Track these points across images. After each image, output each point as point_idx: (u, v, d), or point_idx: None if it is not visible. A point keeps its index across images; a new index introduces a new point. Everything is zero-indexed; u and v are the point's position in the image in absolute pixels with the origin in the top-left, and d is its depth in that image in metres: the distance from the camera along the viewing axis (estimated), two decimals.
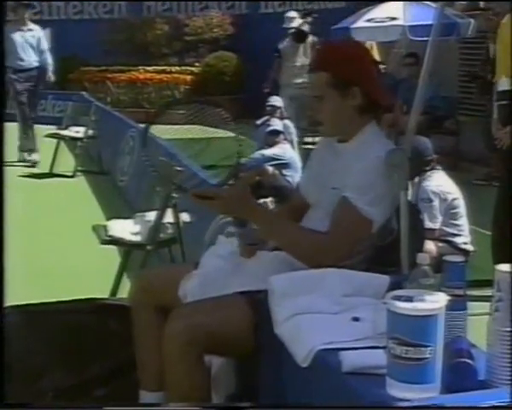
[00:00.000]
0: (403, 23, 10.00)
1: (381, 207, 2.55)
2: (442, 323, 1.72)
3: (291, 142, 8.25)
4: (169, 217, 4.35)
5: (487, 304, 1.82)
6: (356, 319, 2.16)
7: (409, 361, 1.69)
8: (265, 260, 2.63)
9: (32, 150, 10.44)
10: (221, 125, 3.14)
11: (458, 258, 2.10)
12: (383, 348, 1.81)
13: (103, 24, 16.16)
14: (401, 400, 1.71)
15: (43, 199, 8.09)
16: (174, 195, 4.22)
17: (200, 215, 4.20)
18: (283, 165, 7.16)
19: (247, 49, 14.75)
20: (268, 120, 8.24)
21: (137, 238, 4.44)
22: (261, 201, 3.00)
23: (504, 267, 1.79)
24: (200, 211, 3.98)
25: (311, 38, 10.65)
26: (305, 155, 2.92)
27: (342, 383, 1.91)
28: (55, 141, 10.14)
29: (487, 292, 1.90)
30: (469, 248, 5.21)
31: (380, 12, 10.40)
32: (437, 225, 5.12)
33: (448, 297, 1.78)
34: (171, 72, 16.05)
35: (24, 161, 10.31)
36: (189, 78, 15.86)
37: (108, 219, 5.07)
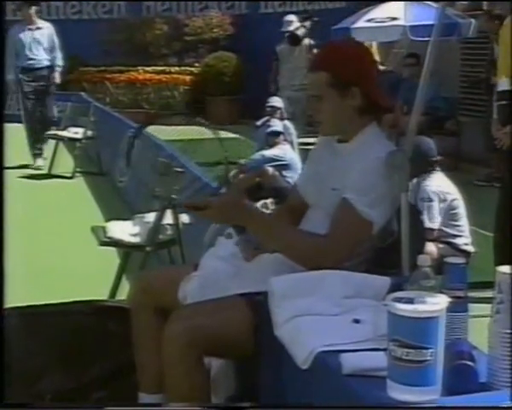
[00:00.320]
0: (403, 23, 9.98)
1: (381, 208, 2.54)
2: (443, 325, 1.71)
3: (291, 143, 8.25)
4: (168, 218, 4.34)
5: (488, 306, 1.82)
6: (356, 321, 2.15)
7: (409, 363, 1.69)
8: (265, 261, 2.62)
9: (38, 155, 10.33)
10: (205, 130, 3.15)
11: (459, 259, 2.10)
12: (384, 350, 1.80)
13: (102, 24, 16.14)
14: (402, 402, 1.70)
15: (41, 200, 8.07)
16: (173, 196, 4.21)
17: None
18: (283, 166, 7.16)
19: (246, 49, 14.74)
20: (268, 121, 8.23)
21: (137, 240, 4.43)
22: (261, 202, 3.00)
23: (505, 269, 1.79)
24: None
25: (307, 41, 10.68)
26: (306, 155, 2.91)
27: (342, 385, 1.90)
28: (53, 142, 10.12)
29: (488, 294, 1.90)
30: (470, 249, 5.21)
31: (380, 12, 10.38)
32: (436, 226, 5.11)
33: (449, 299, 1.77)
34: (170, 72, 16.03)
35: (30, 165, 10.18)
36: (188, 78, 15.85)
37: (107, 220, 5.06)
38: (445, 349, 1.72)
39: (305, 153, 7.76)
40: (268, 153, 7.50)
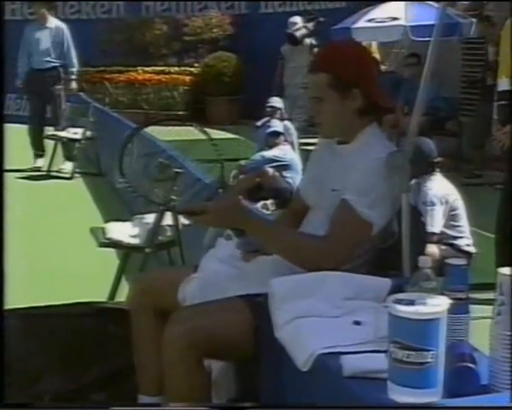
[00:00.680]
0: (404, 23, 9.98)
1: (381, 209, 2.53)
2: (444, 327, 1.71)
3: (291, 143, 8.24)
4: (168, 219, 4.34)
5: (490, 307, 1.81)
6: (357, 323, 2.15)
7: (410, 365, 1.68)
8: (265, 263, 2.61)
9: (41, 155, 10.29)
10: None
11: (460, 261, 2.09)
12: (384, 352, 1.79)
13: (101, 24, 16.10)
14: (402, 404, 1.70)
15: (41, 201, 8.06)
16: (173, 197, 4.21)
17: None
18: (284, 166, 7.15)
19: (246, 49, 14.72)
20: (268, 122, 8.23)
21: (136, 241, 4.42)
22: (261, 203, 2.99)
23: (507, 270, 1.78)
24: None
25: (308, 41, 10.70)
26: (306, 156, 2.91)
27: (343, 387, 1.89)
28: (52, 142, 10.11)
29: (490, 295, 1.89)
30: (472, 250, 5.20)
31: (381, 12, 10.38)
32: (438, 229, 5.10)
33: (450, 301, 1.77)
34: (169, 72, 16.01)
35: (30, 166, 10.12)
36: (188, 78, 15.82)
37: (107, 221, 5.05)
38: (445, 351, 1.72)
39: (305, 153, 7.78)
40: (268, 153, 7.49)
